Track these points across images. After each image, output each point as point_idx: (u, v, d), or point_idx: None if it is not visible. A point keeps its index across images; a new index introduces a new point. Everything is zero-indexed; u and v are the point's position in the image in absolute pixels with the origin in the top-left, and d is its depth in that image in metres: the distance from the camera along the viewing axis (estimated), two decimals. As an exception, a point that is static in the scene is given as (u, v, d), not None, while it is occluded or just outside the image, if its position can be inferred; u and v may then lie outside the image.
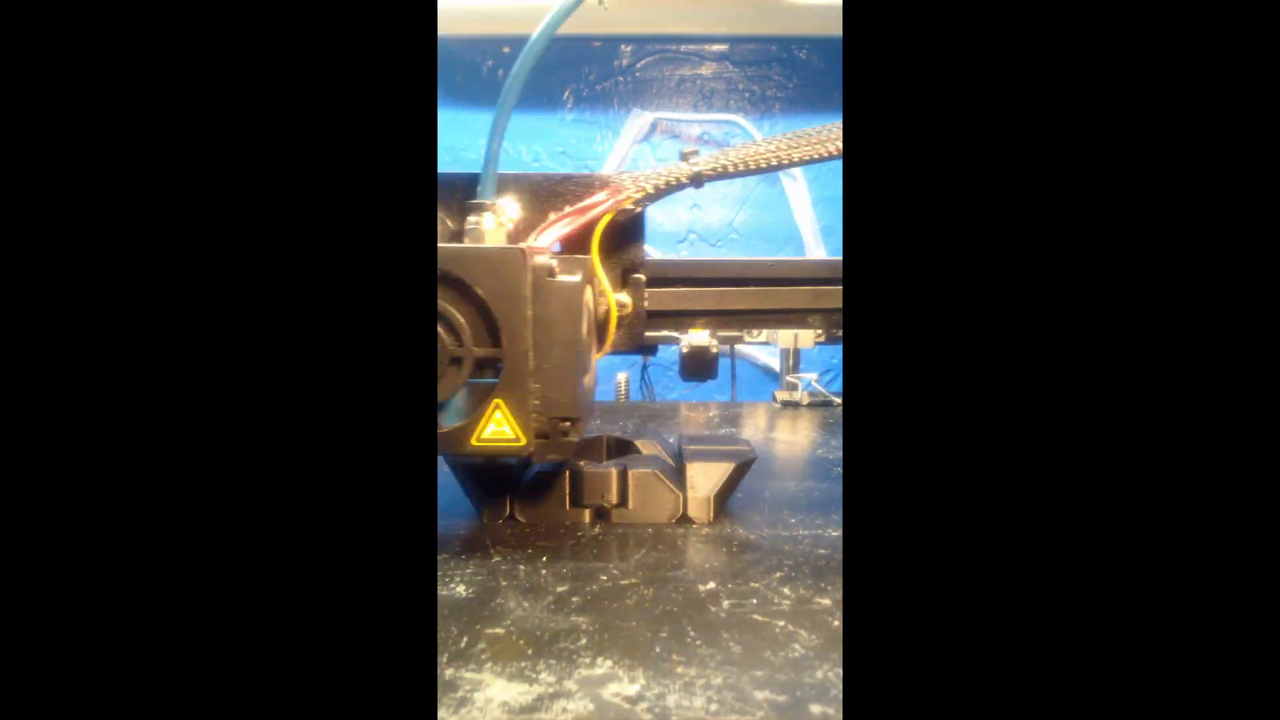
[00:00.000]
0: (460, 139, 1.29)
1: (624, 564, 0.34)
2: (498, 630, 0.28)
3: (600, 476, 0.40)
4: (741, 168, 0.39)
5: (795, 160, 0.39)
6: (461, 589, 0.31)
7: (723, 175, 0.40)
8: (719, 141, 1.33)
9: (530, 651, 0.26)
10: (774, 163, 0.39)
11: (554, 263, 0.34)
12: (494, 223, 0.37)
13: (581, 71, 1.31)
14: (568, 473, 0.40)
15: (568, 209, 0.40)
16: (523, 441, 0.34)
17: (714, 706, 0.23)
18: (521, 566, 0.34)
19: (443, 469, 0.42)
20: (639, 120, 1.31)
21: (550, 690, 0.24)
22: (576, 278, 0.34)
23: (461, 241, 0.38)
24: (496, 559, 0.35)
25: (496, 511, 0.40)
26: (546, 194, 0.40)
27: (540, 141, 1.32)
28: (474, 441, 0.34)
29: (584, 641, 0.27)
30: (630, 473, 0.40)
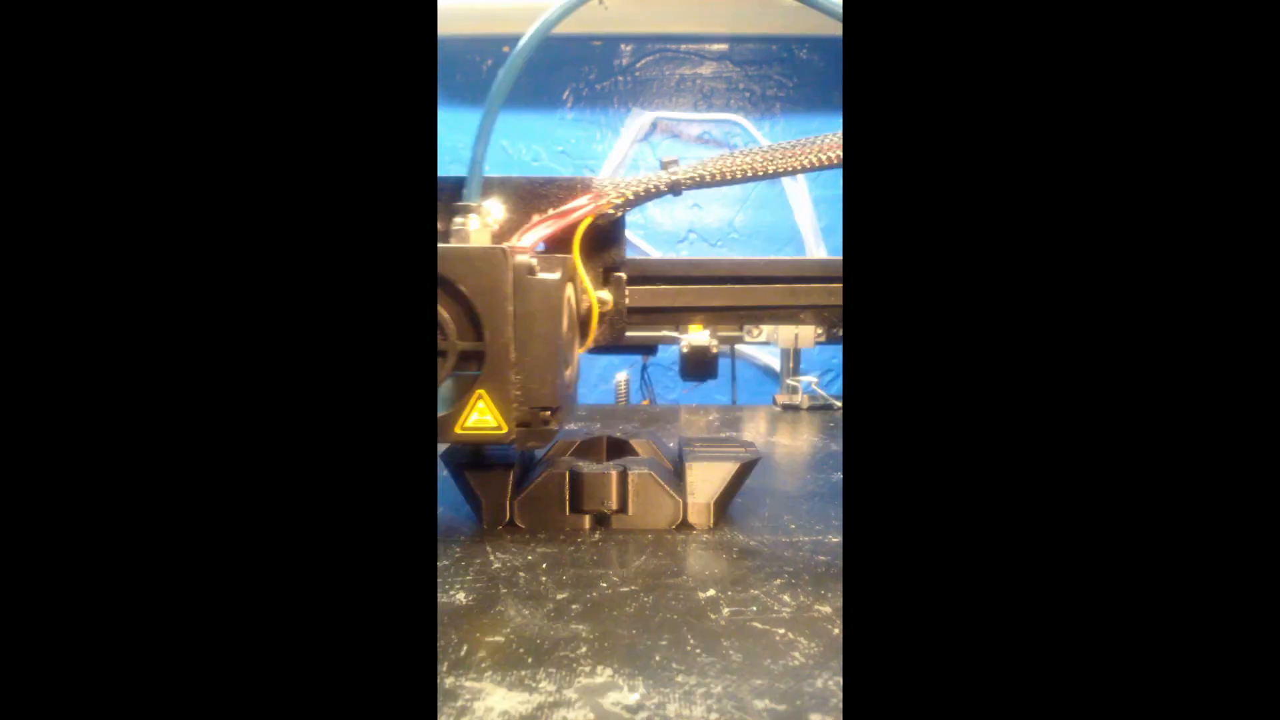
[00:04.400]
0: (460, 139, 1.29)
1: (624, 570, 0.34)
2: (498, 638, 0.28)
3: (600, 482, 0.40)
4: (720, 178, 0.41)
5: (772, 172, 0.41)
6: (461, 596, 0.31)
7: (701, 184, 0.42)
8: (719, 141, 1.33)
9: (530, 660, 0.26)
10: (750, 174, 0.41)
11: (534, 261, 0.36)
12: (479, 224, 0.39)
13: (581, 71, 1.31)
14: (568, 478, 0.40)
15: (550, 211, 0.42)
16: (504, 429, 0.35)
17: (714, 715, 0.23)
18: (521, 573, 0.34)
19: (443, 474, 0.42)
20: (639, 120, 1.30)
21: (550, 699, 0.24)
22: (556, 275, 0.36)
23: (448, 241, 0.39)
24: (496, 565, 0.35)
25: (496, 517, 0.40)
26: (530, 196, 0.42)
27: (540, 141, 1.31)
28: (458, 429, 0.36)
29: (584, 649, 0.27)
30: (630, 478, 0.40)
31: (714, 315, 0.50)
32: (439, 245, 0.37)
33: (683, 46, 1.31)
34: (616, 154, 1.29)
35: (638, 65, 1.32)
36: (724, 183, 0.41)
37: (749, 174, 0.41)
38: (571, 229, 0.41)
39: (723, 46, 1.31)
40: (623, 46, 1.31)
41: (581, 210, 0.41)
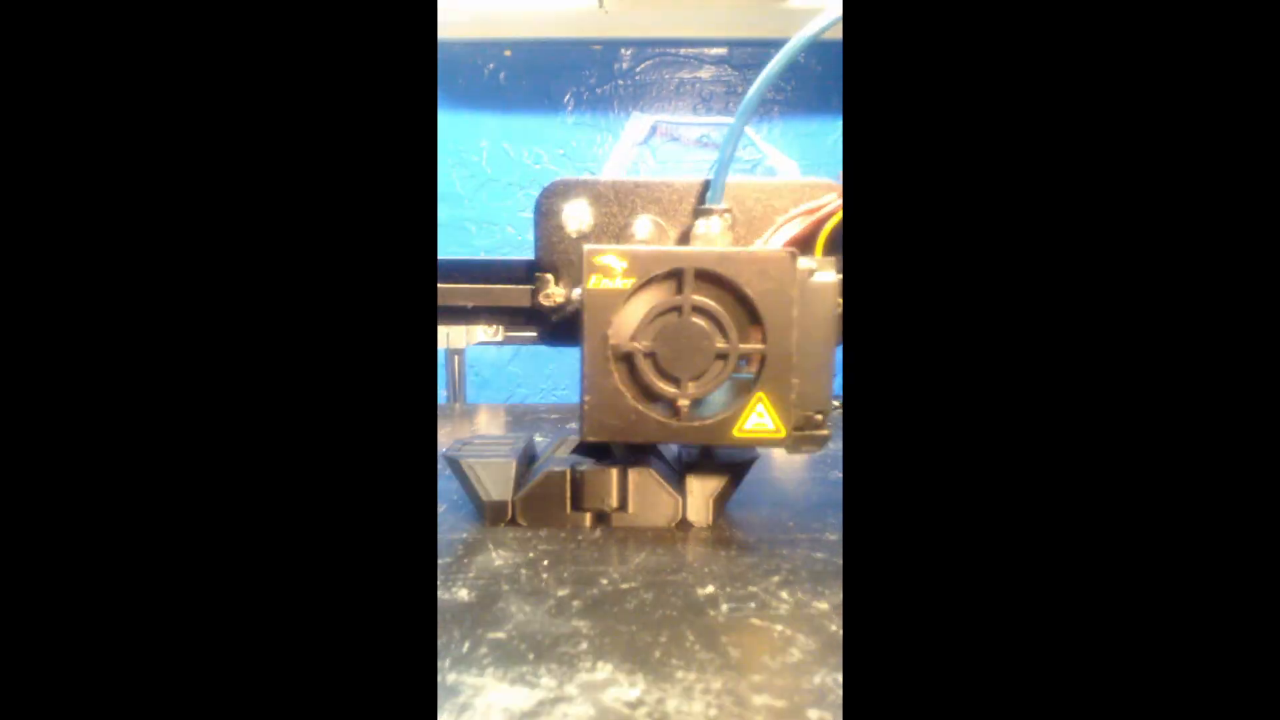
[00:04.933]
0: (462, 141, 1.29)
1: (624, 568, 0.35)
2: (499, 635, 0.28)
3: (601, 480, 0.40)
4: None
5: None
6: (463, 593, 0.32)
7: None
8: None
9: (531, 656, 0.26)
10: None
11: (814, 264, 0.36)
12: (721, 226, 0.40)
13: (582, 75, 1.31)
14: (568, 477, 0.40)
15: (793, 210, 0.41)
16: (782, 434, 0.36)
17: (713, 711, 0.23)
18: (523, 570, 0.34)
19: (444, 472, 0.42)
20: (639, 123, 1.31)
21: (551, 695, 0.24)
22: (835, 278, 0.36)
23: (688, 244, 0.40)
24: (498, 563, 0.35)
25: (498, 515, 0.40)
26: (753, 200, 0.42)
27: (541, 144, 1.32)
28: (735, 432, 0.36)
29: (585, 646, 0.27)
30: (630, 477, 0.40)
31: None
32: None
33: (682, 50, 1.31)
34: (617, 157, 1.29)
35: (637, 69, 1.32)
36: None
37: None
38: (816, 229, 0.40)
39: (722, 50, 1.31)
40: (622, 50, 1.31)
41: (829, 207, 0.40)
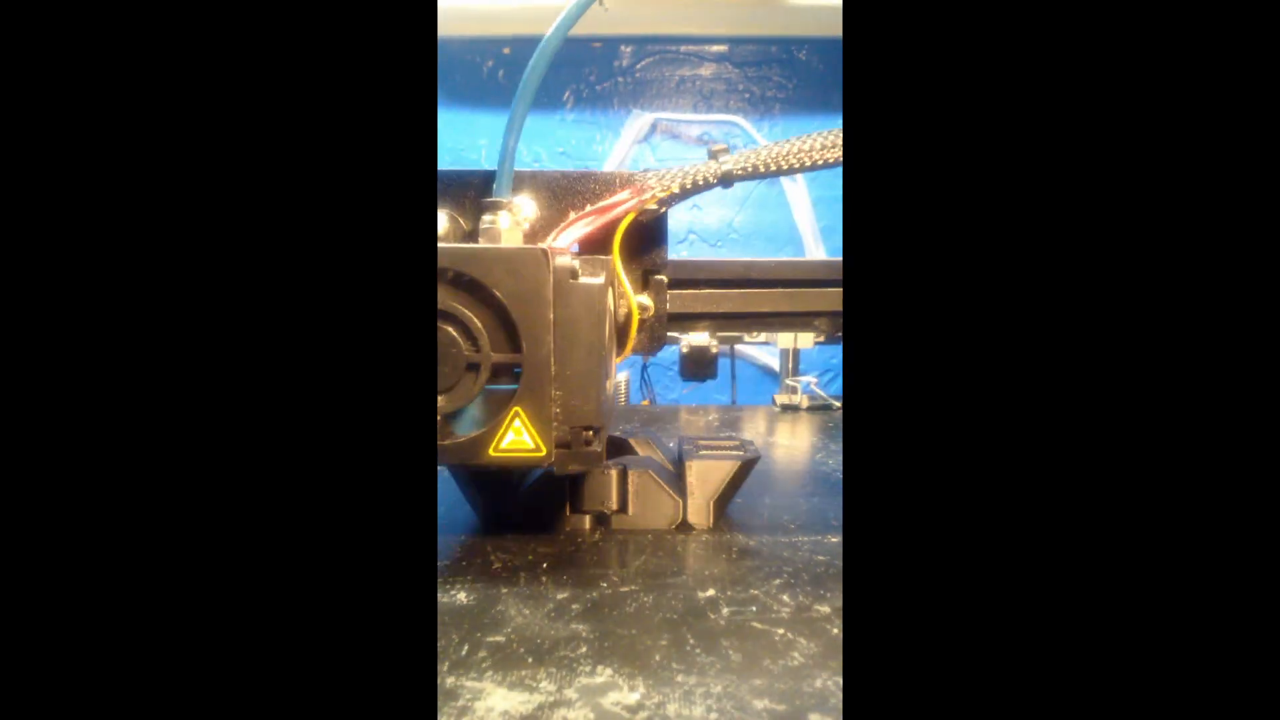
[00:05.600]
0: (460, 139, 1.29)
1: (624, 570, 0.34)
2: (498, 638, 0.28)
3: (600, 482, 0.40)
4: (773, 168, 0.37)
5: (829, 161, 0.37)
6: (462, 596, 0.32)
7: (753, 175, 0.38)
8: (719, 142, 1.33)
9: (531, 659, 0.26)
10: (806, 163, 0.37)
11: (576, 264, 0.33)
12: (510, 221, 0.36)
13: (581, 72, 1.31)
14: (568, 478, 0.40)
15: (588, 208, 0.38)
16: (543, 451, 0.32)
17: (713, 715, 0.23)
18: (522, 573, 0.34)
19: (443, 474, 0.42)
20: (639, 121, 1.30)
21: (550, 699, 0.24)
22: (599, 279, 0.33)
23: (477, 241, 0.37)
24: (497, 565, 0.35)
25: (497, 517, 0.40)
26: (564, 192, 0.39)
27: (540, 142, 1.31)
28: (491, 451, 0.33)
29: (584, 649, 0.27)
30: (630, 478, 0.40)
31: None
32: (469, 245, 0.35)
33: (682, 48, 1.31)
34: (616, 155, 1.29)
35: (638, 66, 1.32)
36: (778, 173, 0.38)
37: (805, 163, 0.37)
38: (611, 227, 0.38)
39: (722, 48, 1.31)
40: (623, 48, 1.31)
41: (623, 206, 0.37)
